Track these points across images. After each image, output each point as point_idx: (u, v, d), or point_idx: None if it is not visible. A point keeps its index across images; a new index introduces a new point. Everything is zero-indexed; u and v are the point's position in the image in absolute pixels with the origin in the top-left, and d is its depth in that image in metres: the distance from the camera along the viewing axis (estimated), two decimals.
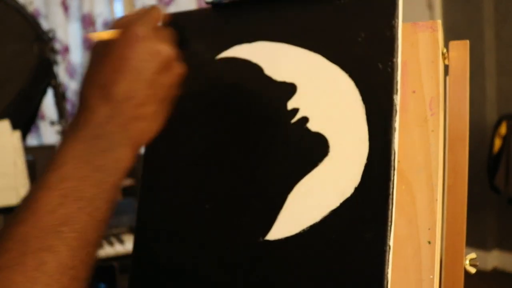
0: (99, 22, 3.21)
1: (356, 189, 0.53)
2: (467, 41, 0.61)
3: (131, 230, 1.36)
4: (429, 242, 0.54)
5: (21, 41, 1.57)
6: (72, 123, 0.48)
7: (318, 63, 0.59)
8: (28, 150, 1.47)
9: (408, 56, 0.59)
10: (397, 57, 0.55)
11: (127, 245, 1.26)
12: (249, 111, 0.62)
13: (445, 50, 0.60)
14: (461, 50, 0.61)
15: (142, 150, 0.64)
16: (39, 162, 1.46)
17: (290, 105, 0.59)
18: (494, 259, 2.81)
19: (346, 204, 0.53)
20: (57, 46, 3.02)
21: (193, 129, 0.65)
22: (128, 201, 1.49)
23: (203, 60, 0.67)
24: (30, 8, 3.08)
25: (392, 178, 0.52)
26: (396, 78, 0.54)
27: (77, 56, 3.24)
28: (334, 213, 0.53)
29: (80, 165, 0.44)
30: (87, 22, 3.19)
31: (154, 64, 0.49)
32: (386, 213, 0.51)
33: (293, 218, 0.56)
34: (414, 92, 0.58)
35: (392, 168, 0.52)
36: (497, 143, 2.48)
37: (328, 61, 0.58)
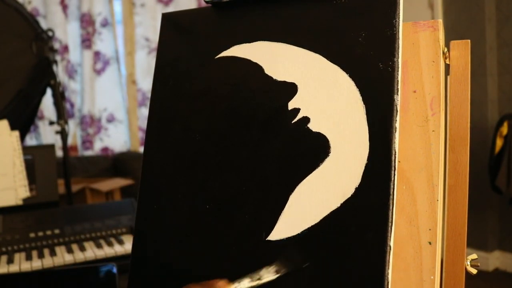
0: (98, 21, 3.21)
1: (357, 190, 0.53)
2: (468, 41, 0.60)
3: (130, 231, 1.35)
4: (430, 243, 0.54)
5: (20, 40, 1.57)
6: None
7: (318, 63, 0.58)
8: (26, 150, 1.47)
9: (409, 55, 0.59)
10: (397, 57, 0.54)
11: (126, 245, 1.25)
12: (249, 111, 0.61)
13: (446, 50, 0.60)
14: (462, 49, 0.61)
15: (142, 150, 0.64)
16: (38, 162, 1.45)
17: (291, 105, 0.59)
18: (496, 260, 2.80)
19: (346, 205, 0.53)
20: (56, 45, 3.02)
21: (193, 129, 0.65)
22: (127, 201, 1.48)
23: (203, 59, 0.67)
24: (29, 7, 3.07)
25: (392, 178, 0.51)
26: (397, 78, 0.54)
27: (76, 56, 3.23)
28: (334, 213, 0.53)
29: None
30: (86, 21, 3.19)
31: None
32: (386, 213, 0.51)
33: (294, 218, 0.55)
34: (415, 91, 0.58)
35: (393, 168, 0.52)
36: (499, 143, 2.47)
37: (328, 61, 0.58)
